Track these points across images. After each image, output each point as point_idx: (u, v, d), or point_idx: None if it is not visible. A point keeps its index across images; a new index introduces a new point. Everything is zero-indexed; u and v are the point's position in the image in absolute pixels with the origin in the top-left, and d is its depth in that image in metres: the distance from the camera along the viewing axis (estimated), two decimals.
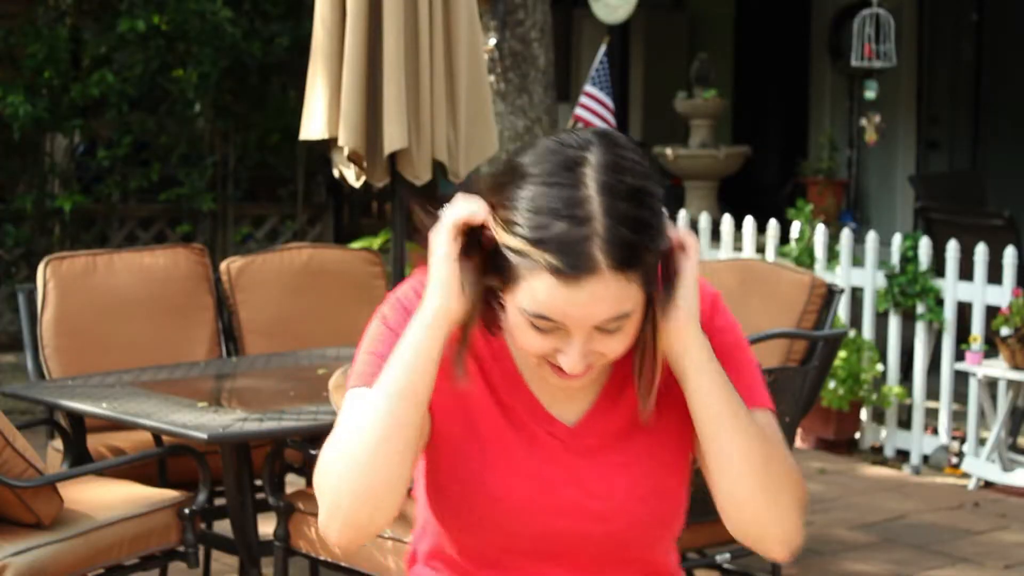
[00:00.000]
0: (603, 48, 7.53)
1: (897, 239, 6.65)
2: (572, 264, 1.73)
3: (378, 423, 1.83)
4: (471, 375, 1.93)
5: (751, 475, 1.87)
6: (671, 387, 1.91)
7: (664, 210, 1.83)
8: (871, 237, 6.72)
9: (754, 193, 10.71)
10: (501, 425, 1.94)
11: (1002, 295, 6.23)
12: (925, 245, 6.56)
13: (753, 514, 1.89)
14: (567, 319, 1.77)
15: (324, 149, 4.58)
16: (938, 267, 6.55)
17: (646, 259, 1.77)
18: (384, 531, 3.71)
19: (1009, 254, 6.25)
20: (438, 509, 1.98)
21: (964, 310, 6.47)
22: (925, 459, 6.56)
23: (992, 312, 6.25)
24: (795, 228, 6.95)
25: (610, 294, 1.76)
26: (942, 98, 10.70)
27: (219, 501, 4.44)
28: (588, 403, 1.95)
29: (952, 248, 6.42)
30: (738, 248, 7.24)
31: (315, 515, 3.93)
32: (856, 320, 6.84)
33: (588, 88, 7.41)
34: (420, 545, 2.06)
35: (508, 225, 1.78)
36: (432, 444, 1.97)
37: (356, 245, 7.57)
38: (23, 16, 8.60)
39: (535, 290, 1.77)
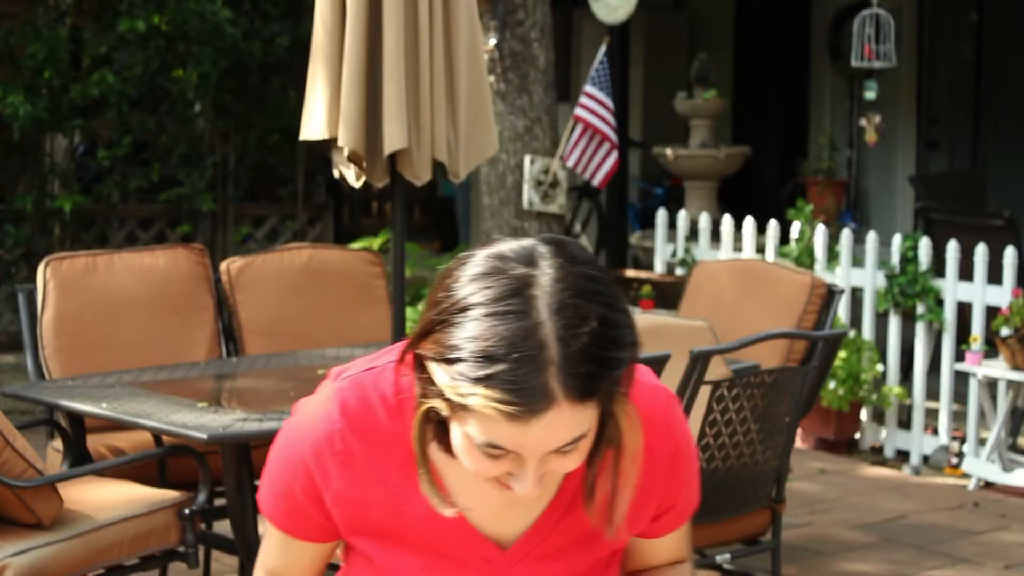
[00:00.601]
0: (603, 48, 7.53)
1: (897, 239, 6.65)
2: (525, 402, 1.56)
3: None
4: (392, 499, 1.78)
5: None
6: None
7: (628, 321, 1.63)
8: (871, 237, 6.72)
9: (754, 193, 10.70)
10: (426, 555, 1.81)
11: (1002, 295, 6.23)
12: (925, 245, 6.56)
13: None
14: (521, 448, 1.62)
15: (324, 149, 4.58)
16: (938, 267, 6.55)
17: (607, 380, 1.60)
18: None
19: (1009, 254, 6.25)
20: None
21: (964, 310, 6.47)
22: (925, 459, 6.56)
23: (992, 312, 6.25)
24: (795, 228, 6.95)
25: (566, 422, 1.59)
26: (942, 98, 10.69)
27: (219, 501, 4.44)
28: (529, 520, 1.81)
29: (952, 248, 6.42)
30: (738, 248, 7.24)
31: None
32: (856, 320, 6.84)
33: (588, 88, 7.41)
34: None
35: (450, 364, 1.59)
36: (349, 565, 1.90)
37: (356, 245, 7.58)
38: (23, 16, 8.59)
39: (484, 423, 1.60)
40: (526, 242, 1.64)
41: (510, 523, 1.81)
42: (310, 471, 1.79)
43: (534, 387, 1.56)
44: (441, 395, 1.63)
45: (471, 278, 1.61)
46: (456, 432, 1.65)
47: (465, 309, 1.59)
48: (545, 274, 1.60)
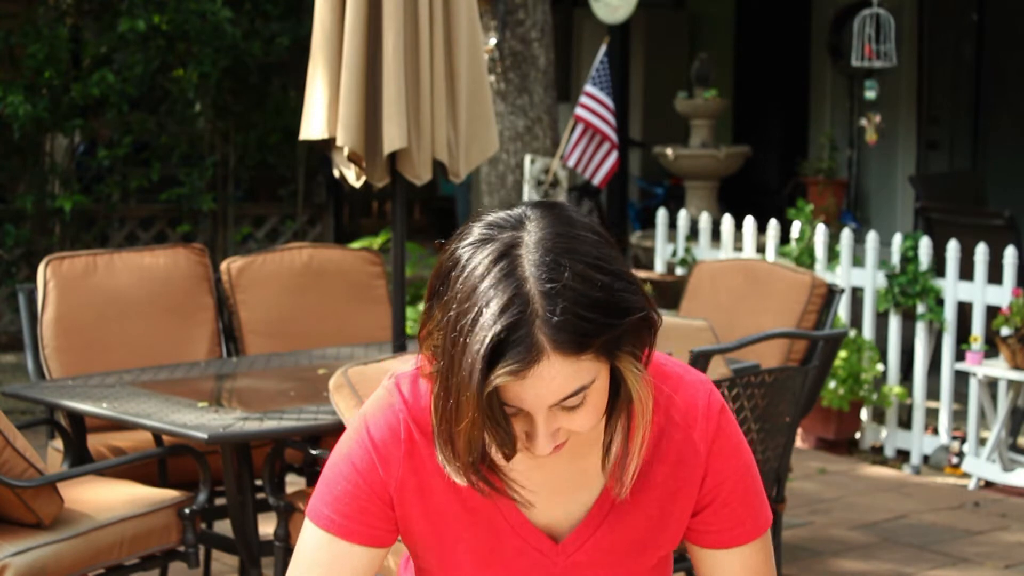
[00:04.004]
0: (603, 48, 7.53)
1: (897, 239, 6.65)
2: (514, 356, 1.62)
3: None
4: (450, 488, 1.82)
5: None
6: (668, 492, 1.85)
7: (622, 284, 1.69)
8: (871, 237, 6.72)
9: (754, 193, 10.71)
10: (482, 546, 1.86)
11: (1002, 295, 6.23)
12: (925, 245, 6.56)
13: None
14: (522, 403, 1.67)
15: (324, 149, 4.58)
16: (938, 267, 6.55)
17: (601, 337, 1.65)
18: None
19: (1009, 254, 6.25)
20: None
21: (964, 310, 6.48)
22: (925, 459, 6.56)
23: (992, 312, 6.26)
24: (795, 228, 6.95)
25: (560, 374, 1.65)
26: (942, 98, 10.70)
27: (219, 501, 4.44)
28: (579, 515, 1.86)
29: (952, 248, 6.42)
30: (738, 248, 7.24)
31: None
32: (856, 320, 6.85)
33: (588, 88, 7.42)
34: None
35: (442, 328, 1.68)
36: (414, 565, 1.94)
37: (356, 245, 7.57)
38: (23, 16, 8.60)
39: None
40: (519, 209, 1.74)
41: (562, 517, 1.86)
42: (376, 464, 1.83)
43: (522, 340, 1.62)
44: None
45: (465, 244, 1.71)
46: None
47: (455, 278, 1.68)
48: (531, 233, 1.69)
